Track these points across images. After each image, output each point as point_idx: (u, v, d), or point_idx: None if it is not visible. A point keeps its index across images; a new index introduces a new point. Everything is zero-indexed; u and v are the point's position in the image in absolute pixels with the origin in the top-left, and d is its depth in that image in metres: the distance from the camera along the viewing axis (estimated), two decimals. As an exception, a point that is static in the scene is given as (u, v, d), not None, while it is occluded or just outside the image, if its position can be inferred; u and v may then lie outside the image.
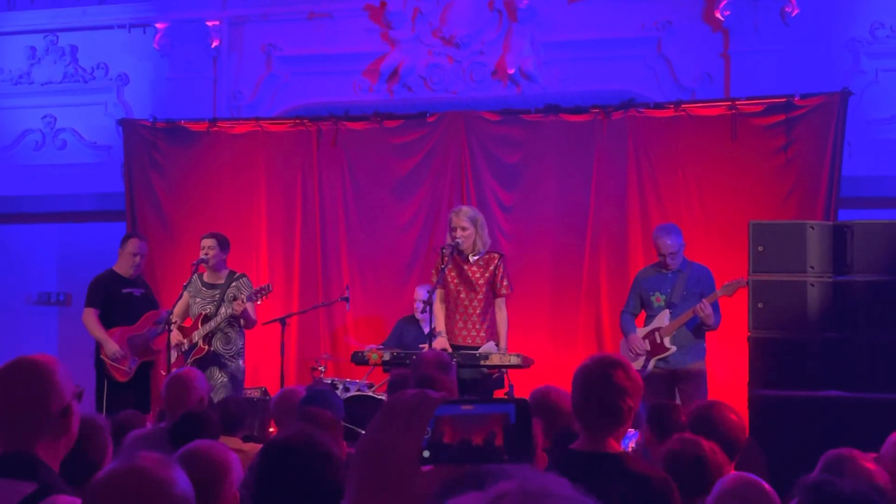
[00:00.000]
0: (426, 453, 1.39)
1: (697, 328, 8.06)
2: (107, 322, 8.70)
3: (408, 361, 7.57)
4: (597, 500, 1.20)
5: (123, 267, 8.91)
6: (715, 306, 8.06)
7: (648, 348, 8.06)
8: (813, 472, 3.49)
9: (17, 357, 3.01)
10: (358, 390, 8.11)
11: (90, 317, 8.74)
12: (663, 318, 8.09)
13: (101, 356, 8.71)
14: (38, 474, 2.85)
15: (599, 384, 3.64)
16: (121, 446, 4.79)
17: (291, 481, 3.01)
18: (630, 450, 5.17)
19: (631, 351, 8.11)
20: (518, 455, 1.37)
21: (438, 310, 8.04)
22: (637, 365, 7.95)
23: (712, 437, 4.33)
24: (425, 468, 1.39)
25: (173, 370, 8.19)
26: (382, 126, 10.02)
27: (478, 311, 7.97)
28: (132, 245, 8.95)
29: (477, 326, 7.96)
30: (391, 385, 5.84)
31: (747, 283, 7.47)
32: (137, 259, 8.96)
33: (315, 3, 10.64)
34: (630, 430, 4.96)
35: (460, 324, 8.00)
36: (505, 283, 8.00)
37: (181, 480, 2.42)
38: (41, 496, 2.77)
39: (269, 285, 8.51)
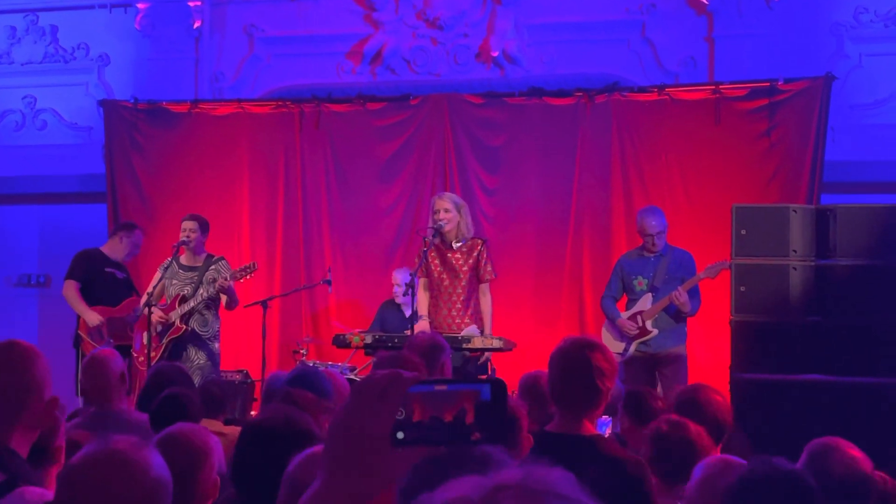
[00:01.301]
0: (399, 434, 1.37)
1: (678, 312, 8.07)
2: (87, 300, 8.62)
3: (389, 344, 7.58)
4: None
5: (115, 251, 8.85)
6: (695, 291, 8.08)
7: (639, 329, 8.05)
8: (798, 458, 3.49)
9: (8, 340, 2.96)
10: (340, 373, 8.08)
11: (70, 289, 8.65)
12: (646, 302, 8.10)
13: (79, 331, 8.64)
14: (8, 464, 2.81)
15: (577, 366, 3.66)
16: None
17: (270, 462, 3.00)
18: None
19: (625, 333, 8.10)
20: (490, 433, 1.36)
21: (423, 297, 8.02)
22: (618, 349, 7.96)
23: (698, 419, 4.33)
24: (398, 449, 1.37)
25: (145, 351, 8.20)
26: (365, 108, 9.99)
27: (461, 299, 7.94)
28: (138, 236, 8.97)
29: (461, 314, 7.93)
30: (376, 368, 5.82)
31: (730, 265, 7.49)
32: (137, 251, 8.98)
33: (298, -16, 10.60)
34: (603, 416, 4.96)
35: (444, 311, 7.96)
36: (489, 268, 7.97)
37: (156, 463, 2.41)
38: (9, 487, 2.74)
39: (253, 263, 8.45)
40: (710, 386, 4.84)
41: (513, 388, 5.70)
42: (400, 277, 8.84)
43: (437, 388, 1.39)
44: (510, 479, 1.13)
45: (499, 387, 1.37)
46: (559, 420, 3.74)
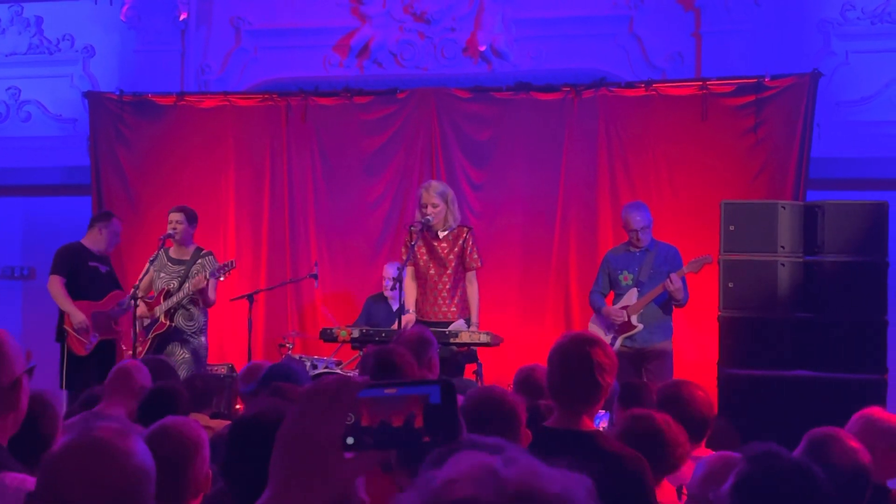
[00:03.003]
0: (350, 440, 1.37)
1: (665, 305, 8.08)
2: (71, 294, 8.57)
3: (377, 339, 7.56)
4: None
5: (96, 243, 8.79)
6: (682, 283, 8.08)
7: (626, 318, 8.06)
8: (796, 450, 3.49)
9: None
10: (326, 367, 8.07)
11: (56, 285, 8.58)
12: (631, 297, 8.11)
13: (64, 326, 8.59)
14: None
15: (578, 361, 3.64)
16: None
17: (261, 457, 2.96)
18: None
19: (612, 321, 8.10)
20: (441, 436, 1.36)
21: (410, 287, 8.02)
22: (604, 344, 7.94)
23: (681, 414, 4.34)
24: (349, 455, 1.37)
25: (138, 345, 8.18)
26: (352, 102, 9.96)
27: (448, 287, 7.95)
28: (116, 225, 8.89)
29: (447, 302, 7.95)
30: (364, 363, 5.80)
31: (715, 260, 7.51)
32: (117, 239, 8.93)
33: (285, -23, 10.55)
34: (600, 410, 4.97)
35: (431, 300, 7.99)
36: (475, 255, 7.99)
37: (140, 451, 2.37)
38: None
39: (232, 262, 8.44)
40: (692, 381, 4.86)
41: (508, 382, 5.71)
42: (391, 271, 8.84)
43: (388, 391, 1.38)
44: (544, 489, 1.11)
45: (447, 388, 1.37)
46: (558, 415, 3.72)
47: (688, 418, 4.38)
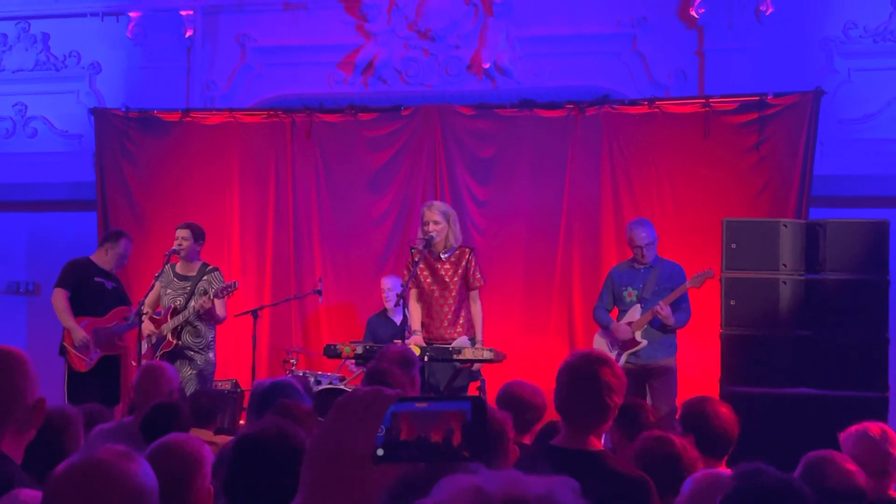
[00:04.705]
0: (380, 451, 1.37)
1: (664, 325, 8.08)
2: (75, 309, 8.58)
3: (380, 355, 7.60)
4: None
5: (104, 262, 8.80)
6: (685, 304, 8.09)
7: (630, 335, 8.07)
8: (787, 471, 3.51)
9: None
10: (329, 383, 8.09)
11: (60, 299, 8.58)
12: (634, 313, 8.12)
13: (64, 342, 8.61)
14: (1, 468, 2.80)
15: (586, 380, 3.62)
16: (86, 440, 4.75)
17: (264, 474, 2.99)
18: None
19: (619, 337, 8.11)
20: (477, 453, 1.35)
21: (414, 308, 8.03)
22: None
23: (704, 431, 4.35)
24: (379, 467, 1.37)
25: (143, 361, 8.18)
26: (357, 119, 10.00)
27: (452, 309, 7.98)
28: (124, 246, 8.88)
29: (453, 323, 7.97)
30: (366, 379, 5.83)
31: (717, 278, 7.52)
32: (124, 260, 8.94)
33: (290, -6, 10.61)
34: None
35: (436, 322, 8.00)
36: (478, 275, 8.02)
37: (141, 473, 2.37)
38: (2, 490, 2.73)
39: (234, 283, 8.40)
40: (716, 398, 4.85)
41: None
42: (389, 283, 8.88)
43: (419, 405, 1.38)
44: (517, 492, 1.11)
45: (478, 405, 1.36)
46: (565, 434, 3.71)
47: (710, 435, 4.39)
